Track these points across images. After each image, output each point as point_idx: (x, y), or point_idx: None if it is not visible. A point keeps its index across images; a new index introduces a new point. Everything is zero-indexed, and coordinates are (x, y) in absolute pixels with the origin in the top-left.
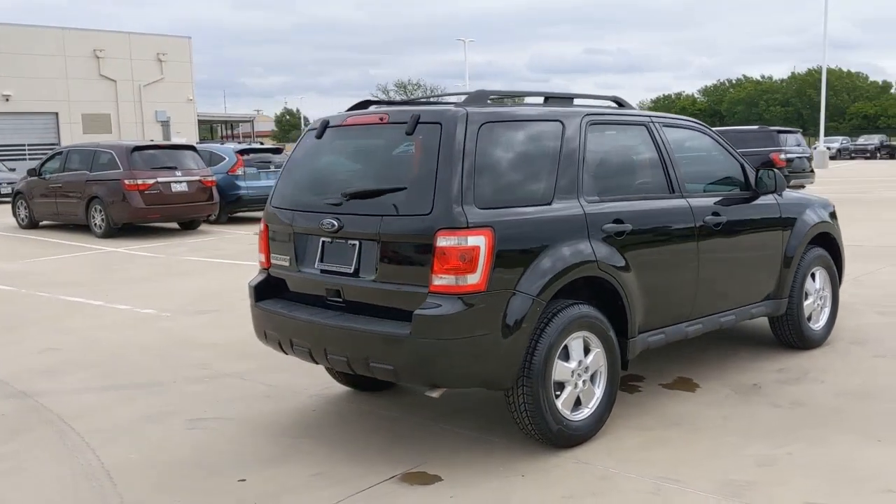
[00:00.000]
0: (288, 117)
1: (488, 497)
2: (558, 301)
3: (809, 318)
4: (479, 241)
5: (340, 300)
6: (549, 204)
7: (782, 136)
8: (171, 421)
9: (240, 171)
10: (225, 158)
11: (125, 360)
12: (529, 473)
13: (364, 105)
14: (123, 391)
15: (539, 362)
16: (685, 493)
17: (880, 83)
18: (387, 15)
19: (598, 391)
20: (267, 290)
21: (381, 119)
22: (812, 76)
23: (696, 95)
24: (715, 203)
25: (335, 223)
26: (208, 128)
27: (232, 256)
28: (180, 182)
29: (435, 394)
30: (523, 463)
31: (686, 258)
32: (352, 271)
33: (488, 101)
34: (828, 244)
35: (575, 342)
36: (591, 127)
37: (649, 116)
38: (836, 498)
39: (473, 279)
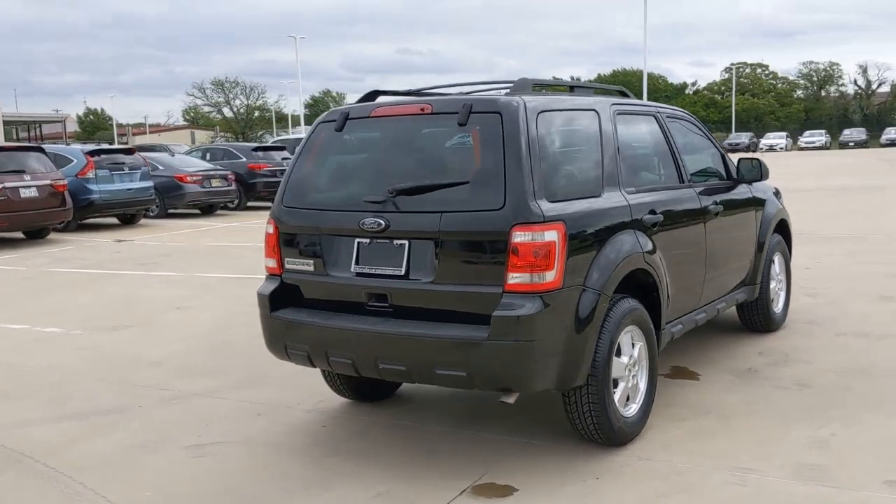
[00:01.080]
0: (92, 117)
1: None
2: (615, 295)
3: (772, 302)
4: (554, 235)
5: (386, 305)
6: (599, 196)
7: None
8: (167, 449)
9: (91, 174)
10: (73, 161)
11: (66, 386)
12: (602, 475)
13: (372, 96)
14: (85, 420)
15: (602, 359)
16: (768, 480)
17: (677, 84)
18: (185, 10)
19: (643, 385)
20: (282, 298)
21: (423, 109)
22: (617, 78)
23: None
24: (711, 192)
25: (382, 222)
26: (12, 129)
27: (103, 266)
28: (29, 187)
29: (511, 399)
30: (587, 465)
31: (698, 248)
32: (402, 273)
33: (532, 90)
34: (782, 230)
35: (625, 337)
36: (618, 117)
37: (656, 107)
38: None
39: (550, 276)
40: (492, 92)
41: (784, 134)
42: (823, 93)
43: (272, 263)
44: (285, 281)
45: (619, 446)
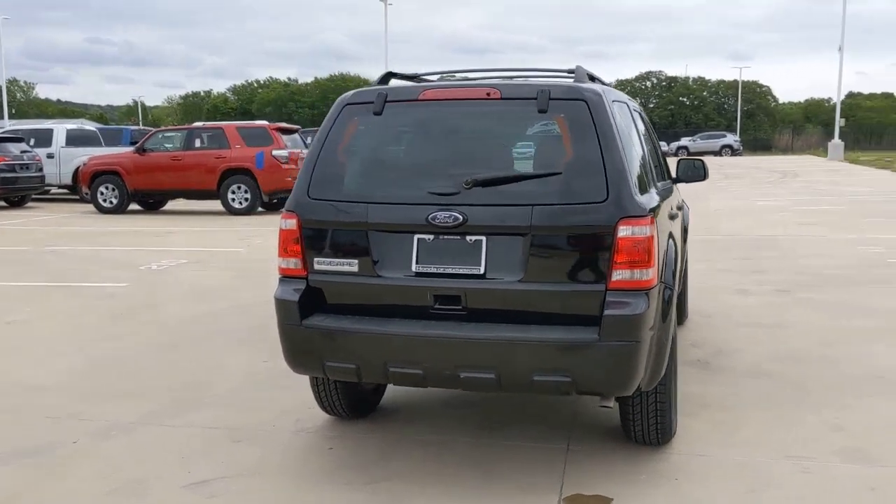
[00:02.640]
0: None
1: None
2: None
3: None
4: (653, 230)
5: (459, 308)
6: (648, 191)
7: None
8: (162, 492)
9: None
10: None
11: None
12: (677, 476)
13: (386, 79)
14: (11, 464)
15: (673, 357)
16: (830, 467)
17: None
18: None
19: (672, 383)
20: (310, 304)
21: (490, 94)
22: (334, 82)
23: (227, 94)
24: (670, 191)
25: (459, 217)
26: None
27: None
28: None
29: (611, 403)
30: (651, 466)
31: (680, 242)
32: (481, 272)
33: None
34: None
35: None
36: (634, 112)
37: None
38: None
39: (651, 272)
40: (545, 78)
41: None
42: None
43: (293, 264)
44: (311, 284)
45: (662, 445)
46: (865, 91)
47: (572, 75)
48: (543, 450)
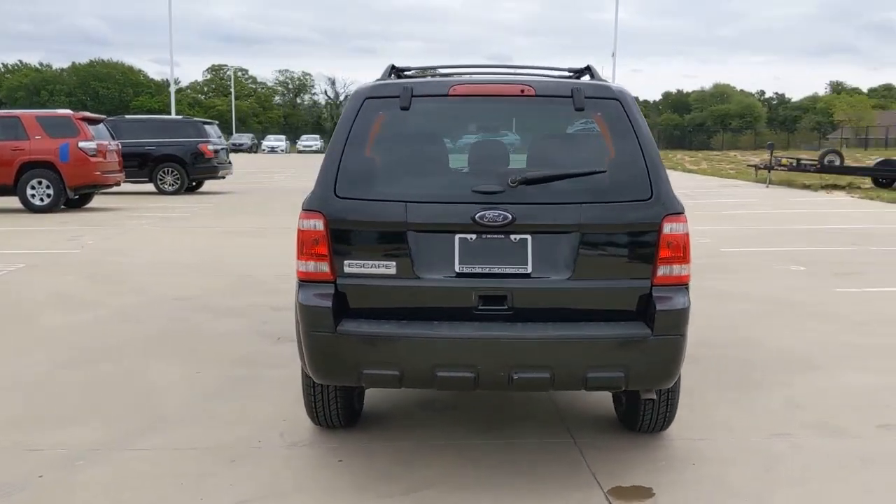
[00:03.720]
0: None
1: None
2: None
3: None
4: (687, 227)
5: (504, 308)
6: None
7: (207, 127)
8: None
9: None
10: None
11: None
12: (695, 461)
13: (392, 72)
14: None
15: None
16: (815, 442)
17: (160, 81)
18: None
19: None
20: (339, 310)
21: (524, 91)
22: (94, 68)
23: None
24: None
25: (508, 216)
26: None
27: None
28: None
29: (653, 395)
30: (666, 453)
31: None
32: (529, 271)
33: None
34: None
35: None
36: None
37: None
38: None
39: (689, 267)
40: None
41: (283, 136)
42: (299, 100)
43: (318, 267)
44: (340, 288)
45: (661, 433)
46: None
47: (574, 74)
48: (553, 445)
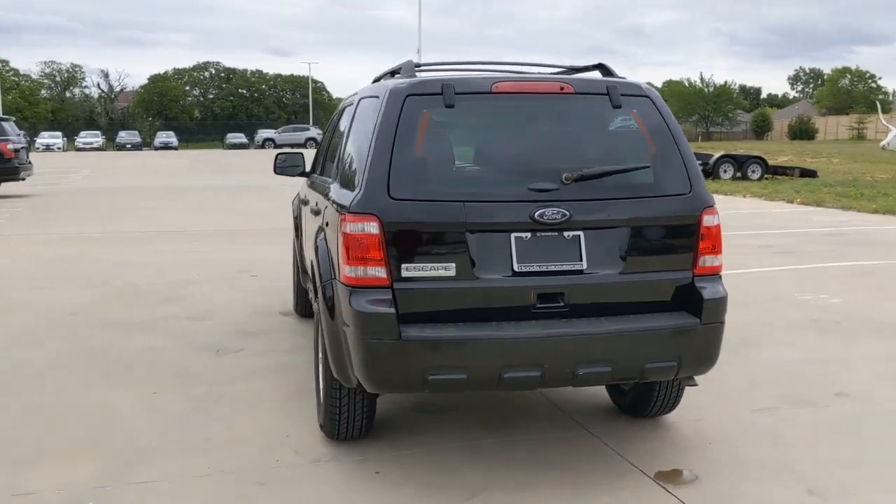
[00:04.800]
0: None
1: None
2: None
3: None
4: (719, 218)
5: (561, 305)
6: None
7: (4, 124)
8: None
9: None
10: None
11: None
12: (710, 441)
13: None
14: None
15: None
16: (830, 404)
17: None
18: None
19: None
20: (402, 315)
21: (563, 89)
22: None
23: None
24: None
25: (566, 213)
26: None
27: None
28: None
29: (696, 382)
30: (671, 435)
31: None
32: (584, 267)
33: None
34: None
35: None
36: None
37: None
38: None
39: (721, 258)
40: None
41: (60, 133)
42: (69, 94)
43: (373, 272)
44: (397, 293)
45: (663, 416)
46: None
47: (590, 71)
48: (569, 437)
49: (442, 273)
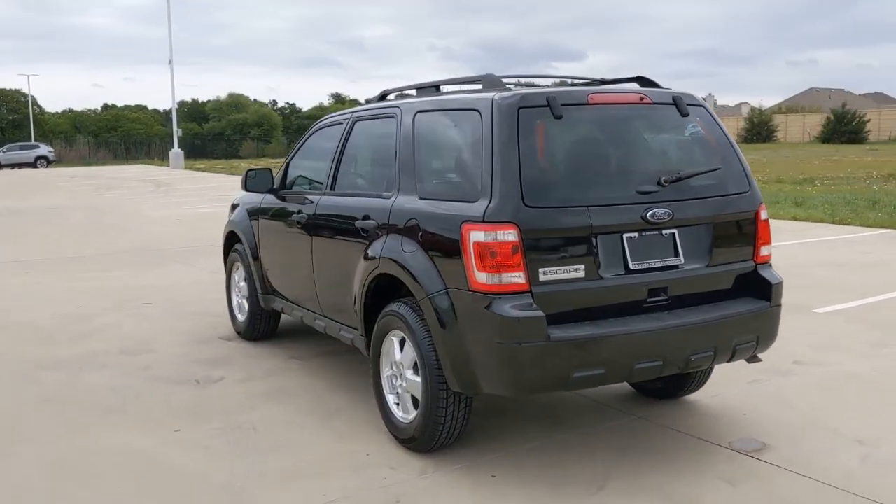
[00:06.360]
0: None
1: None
2: None
3: None
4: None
5: (665, 298)
6: None
7: None
8: None
9: None
10: None
11: None
12: (745, 412)
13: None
14: None
15: None
16: (796, 371)
17: None
18: None
19: None
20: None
21: (642, 99)
22: None
23: None
24: None
25: (671, 212)
26: None
27: None
28: None
29: (760, 358)
30: (704, 411)
31: None
32: (681, 262)
33: None
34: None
35: None
36: None
37: None
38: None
39: (771, 248)
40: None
41: None
42: None
43: (514, 278)
44: (535, 297)
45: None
46: (120, 103)
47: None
48: (629, 425)
49: (573, 275)
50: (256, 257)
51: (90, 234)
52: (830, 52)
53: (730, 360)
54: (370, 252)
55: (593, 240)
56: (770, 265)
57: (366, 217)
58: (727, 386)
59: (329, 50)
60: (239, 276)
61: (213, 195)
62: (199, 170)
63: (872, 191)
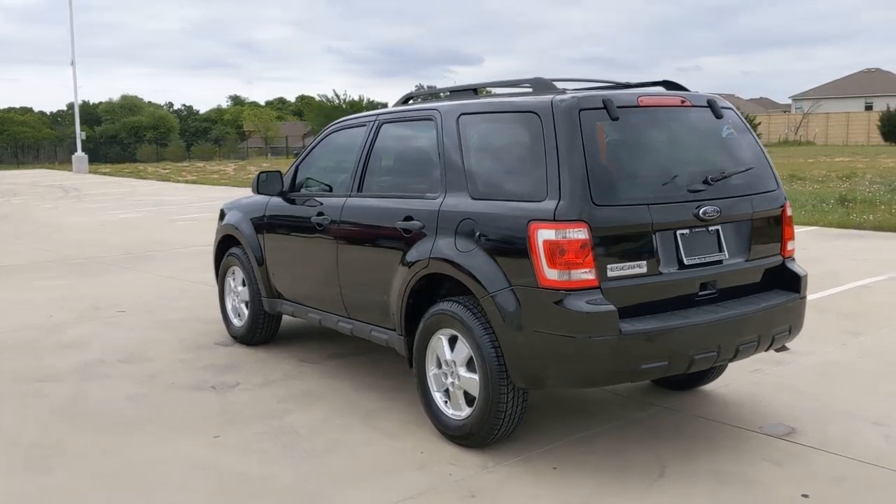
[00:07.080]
0: None
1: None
2: None
3: None
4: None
5: (713, 291)
6: None
7: None
8: None
9: None
10: None
11: None
12: (763, 396)
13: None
14: None
15: None
16: (787, 360)
17: None
18: None
19: None
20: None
21: (683, 102)
22: None
23: None
24: None
25: (719, 209)
26: None
27: None
28: None
29: (789, 347)
30: (732, 399)
31: None
32: (726, 258)
33: None
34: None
35: None
36: None
37: None
38: None
39: (795, 243)
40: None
41: None
42: None
43: (584, 275)
44: (605, 292)
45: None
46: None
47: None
48: (660, 415)
49: (637, 271)
50: (261, 261)
51: (9, 242)
52: (714, 59)
53: (767, 350)
54: (415, 253)
55: (653, 237)
56: (794, 259)
57: (408, 218)
58: (733, 376)
59: (222, 52)
60: (236, 281)
61: (131, 200)
62: (104, 174)
63: (785, 192)
